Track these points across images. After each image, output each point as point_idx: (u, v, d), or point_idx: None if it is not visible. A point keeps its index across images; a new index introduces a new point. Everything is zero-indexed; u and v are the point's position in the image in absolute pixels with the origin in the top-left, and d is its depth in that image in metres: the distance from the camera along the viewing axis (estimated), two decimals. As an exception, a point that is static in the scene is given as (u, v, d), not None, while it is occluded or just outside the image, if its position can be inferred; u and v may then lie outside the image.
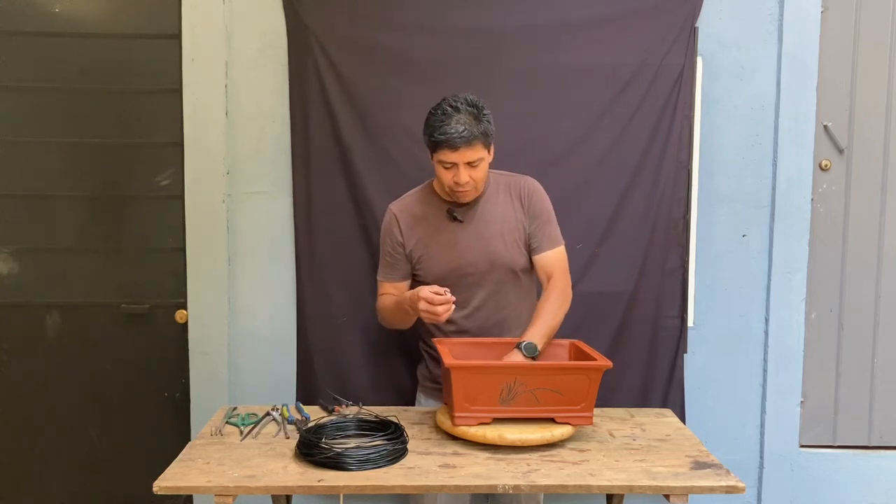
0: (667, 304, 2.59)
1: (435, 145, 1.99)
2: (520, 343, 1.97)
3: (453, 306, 1.91)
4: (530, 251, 2.15)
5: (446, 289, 1.92)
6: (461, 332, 2.14)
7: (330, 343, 2.58)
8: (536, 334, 2.00)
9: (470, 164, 1.98)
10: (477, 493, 1.91)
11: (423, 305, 1.90)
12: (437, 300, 1.89)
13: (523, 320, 2.15)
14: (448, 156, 1.97)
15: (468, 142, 1.95)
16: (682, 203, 2.57)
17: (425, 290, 1.91)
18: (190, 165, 2.55)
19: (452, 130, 1.94)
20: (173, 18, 2.53)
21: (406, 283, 2.18)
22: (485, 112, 2.00)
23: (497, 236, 2.11)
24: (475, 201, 2.13)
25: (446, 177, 2.02)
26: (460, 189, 2.03)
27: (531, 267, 2.17)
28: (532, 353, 1.96)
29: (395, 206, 2.19)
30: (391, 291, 2.17)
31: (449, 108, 1.97)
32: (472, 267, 2.11)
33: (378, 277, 2.22)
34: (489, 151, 2.04)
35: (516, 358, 1.96)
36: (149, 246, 2.62)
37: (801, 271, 2.62)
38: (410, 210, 2.17)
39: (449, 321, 2.10)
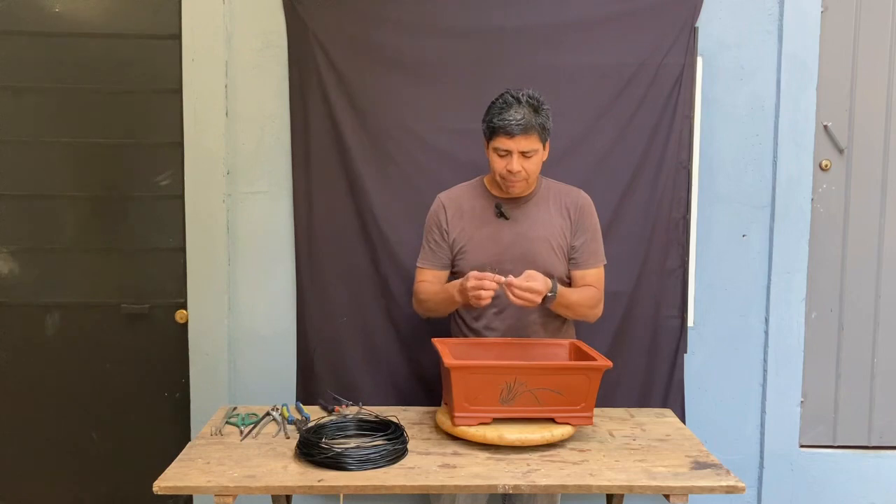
0: (667, 304, 2.59)
1: (492, 131, 2.03)
2: (552, 278, 2.01)
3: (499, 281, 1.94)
4: (571, 263, 2.17)
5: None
6: (490, 330, 2.15)
7: (330, 343, 2.58)
8: (562, 288, 2.03)
9: (524, 155, 2.02)
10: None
11: (472, 283, 1.93)
12: (487, 276, 1.93)
13: (550, 328, 2.16)
14: (504, 143, 2.00)
15: (525, 130, 1.98)
16: (682, 203, 2.57)
17: (483, 282, 1.93)
18: (190, 165, 2.55)
19: (511, 118, 1.98)
20: (173, 18, 2.53)
21: (445, 273, 2.18)
22: (544, 107, 2.04)
23: (540, 239, 2.12)
24: (523, 201, 2.14)
25: (499, 165, 2.04)
26: (511, 179, 2.05)
27: (567, 279, 2.17)
28: (553, 289, 1.98)
29: (444, 196, 2.21)
30: (430, 279, 2.17)
31: (511, 98, 2.02)
32: (510, 264, 2.10)
33: (418, 264, 2.21)
34: (544, 147, 2.07)
35: (537, 278, 1.96)
36: (149, 246, 2.62)
37: (801, 271, 2.62)
38: (458, 200, 2.18)
39: (480, 316, 2.12)
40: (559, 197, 2.17)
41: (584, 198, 2.19)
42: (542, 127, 2.02)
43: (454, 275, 2.18)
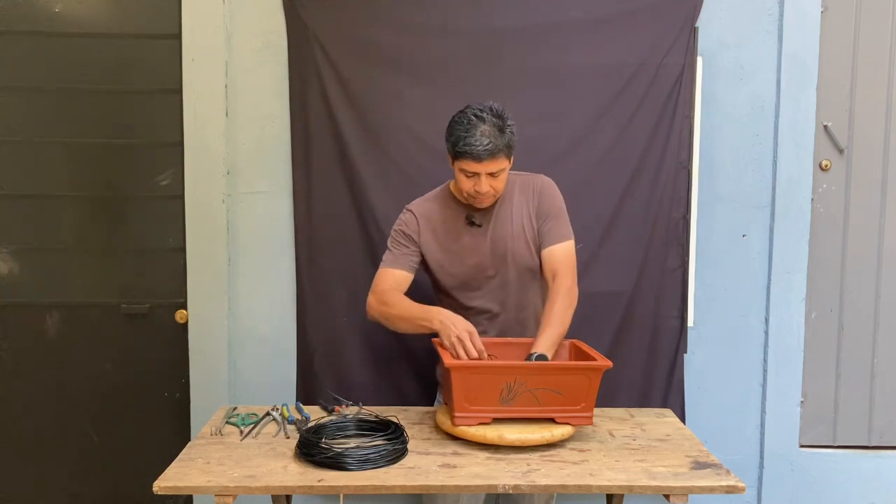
0: (667, 304, 2.59)
1: (458, 155, 1.98)
2: (531, 355, 1.93)
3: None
4: (540, 245, 2.12)
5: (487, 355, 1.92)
6: (483, 336, 2.12)
7: (330, 343, 2.58)
8: (545, 343, 1.95)
9: (491, 175, 1.99)
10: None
11: (463, 335, 1.90)
12: (479, 348, 1.90)
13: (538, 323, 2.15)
14: (471, 166, 1.97)
15: (492, 154, 1.94)
16: (682, 203, 2.57)
17: (474, 338, 1.91)
18: (190, 165, 2.55)
19: (477, 143, 1.93)
20: (173, 18, 2.53)
21: (410, 277, 2.12)
22: (509, 123, 1.99)
23: (514, 236, 2.11)
24: (492, 204, 2.12)
25: (466, 185, 2.01)
26: (480, 197, 2.03)
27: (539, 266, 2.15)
28: (540, 357, 1.94)
29: (416, 209, 2.16)
30: (393, 284, 2.09)
31: (474, 118, 1.96)
32: (493, 269, 2.11)
33: (382, 267, 2.14)
34: (510, 161, 2.04)
35: None
36: (149, 246, 2.62)
37: (801, 271, 2.62)
38: (430, 214, 2.15)
39: (472, 322, 2.12)
40: (524, 187, 2.14)
41: (543, 180, 2.16)
42: (507, 146, 1.98)
43: (441, 290, 2.16)
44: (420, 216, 2.14)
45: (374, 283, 2.13)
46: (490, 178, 1.99)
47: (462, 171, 2.00)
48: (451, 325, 1.92)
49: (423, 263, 2.15)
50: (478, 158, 1.94)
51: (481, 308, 2.14)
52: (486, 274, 2.11)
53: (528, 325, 2.16)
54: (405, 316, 2.02)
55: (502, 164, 1.99)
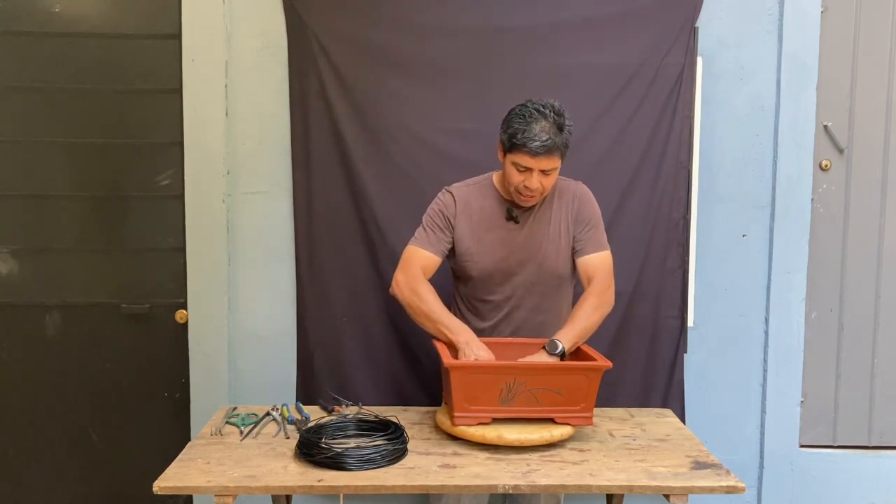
0: (667, 304, 2.59)
1: (513, 147, 1.97)
2: (550, 340, 1.95)
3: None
4: (574, 253, 2.12)
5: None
6: (495, 331, 2.14)
7: (330, 343, 2.58)
8: (567, 335, 1.96)
9: (543, 172, 1.98)
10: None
11: (481, 355, 1.91)
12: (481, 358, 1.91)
13: (560, 327, 2.15)
14: (525, 160, 1.95)
15: (549, 151, 1.94)
16: (682, 203, 2.57)
17: (481, 354, 1.92)
18: (190, 165, 2.55)
19: (535, 138, 1.92)
20: (173, 18, 2.53)
21: (437, 262, 2.10)
22: (567, 123, 1.98)
23: (548, 240, 2.10)
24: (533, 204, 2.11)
25: (516, 178, 2.00)
26: (528, 194, 2.01)
27: (574, 272, 2.15)
28: (554, 349, 1.93)
29: (456, 191, 2.14)
30: (420, 262, 2.06)
31: (535, 113, 1.95)
32: (520, 268, 2.10)
33: (413, 244, 2.10)
34: (562, 161, 2.02)
35: (540, 359, 1.93)
36: (149, 246, 2.62)
37: (801, 271, 2.62)
38: (468, 199, 2.13)
39: (486, 318, 2.12)
40: (562, 192, 2.15)
41: (582, 188, 2.17)
42: (564, 145, 1.98)
43: (461, 277, 2.16)
44: (459, 199, 2.13)
45: (403, 259, 2.10)
46: (541, 176, 1.98)
47: (514, 164, 1.98)
48: (475, 350, 1.92)
49: (450, 249, 2.14)
50: (534, 154, 1.93)
51: (498, 304, 2.13)
52: (513, 271, 2.10)
53: (546, 329, 2.13)
54: (432, 317, 2.01)
55: (556, 162, 1.98)
